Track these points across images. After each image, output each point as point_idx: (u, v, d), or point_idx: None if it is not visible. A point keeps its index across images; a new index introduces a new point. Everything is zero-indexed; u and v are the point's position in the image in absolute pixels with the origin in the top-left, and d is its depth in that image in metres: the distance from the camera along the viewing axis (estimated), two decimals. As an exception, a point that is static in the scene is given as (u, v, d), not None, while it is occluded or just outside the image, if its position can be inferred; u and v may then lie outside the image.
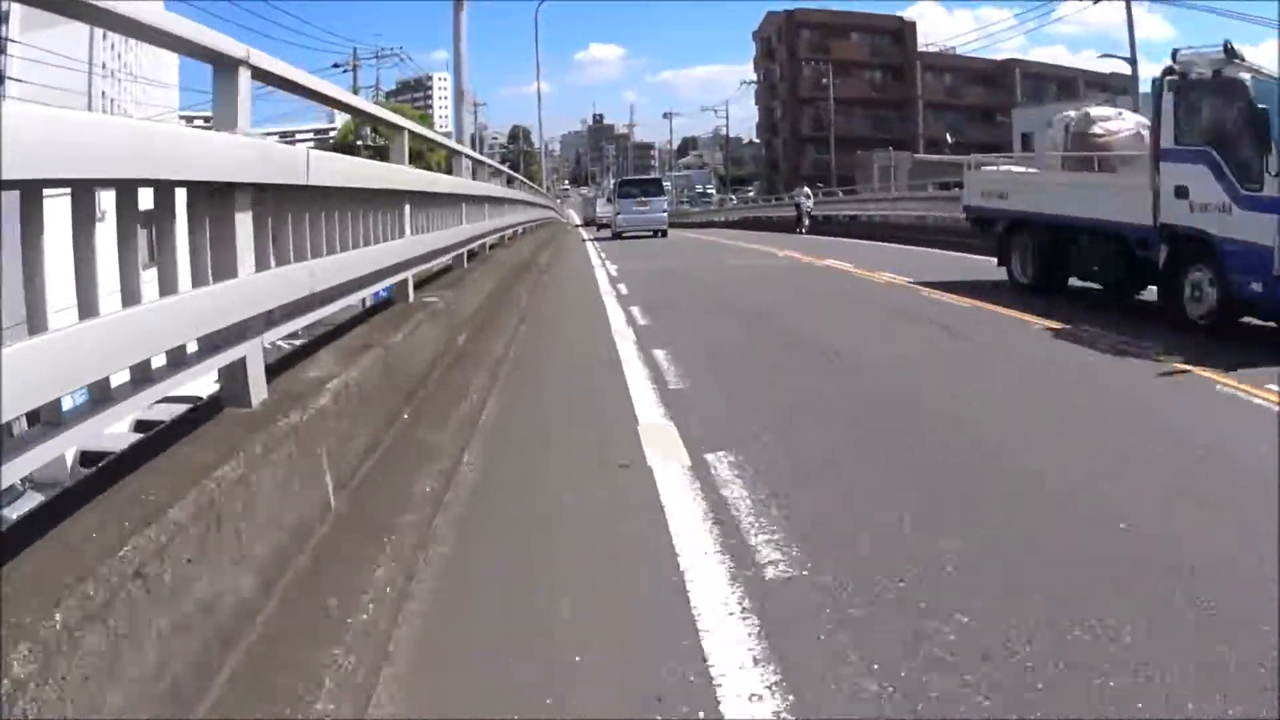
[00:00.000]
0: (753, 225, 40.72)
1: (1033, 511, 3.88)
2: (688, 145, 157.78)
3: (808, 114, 68.38)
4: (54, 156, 1.74)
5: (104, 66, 76.53)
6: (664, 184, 36.17)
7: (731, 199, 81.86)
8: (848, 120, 63.53)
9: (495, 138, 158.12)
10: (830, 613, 2.89)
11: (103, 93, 76.87)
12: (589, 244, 27.89)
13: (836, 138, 61.95)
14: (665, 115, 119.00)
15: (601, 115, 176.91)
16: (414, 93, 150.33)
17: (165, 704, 1.76)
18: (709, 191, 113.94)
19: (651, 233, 29.35)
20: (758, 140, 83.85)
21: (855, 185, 45.73)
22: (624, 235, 29.26)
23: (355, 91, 48.39)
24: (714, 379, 6.82)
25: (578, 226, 49.51)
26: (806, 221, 28.87)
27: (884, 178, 49.81)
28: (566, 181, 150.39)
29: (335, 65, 50.49)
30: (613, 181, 47.12)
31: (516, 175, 24.30)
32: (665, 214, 30.78)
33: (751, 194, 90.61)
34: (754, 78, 77.30)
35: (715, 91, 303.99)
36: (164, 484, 2.10)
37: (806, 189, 29.90)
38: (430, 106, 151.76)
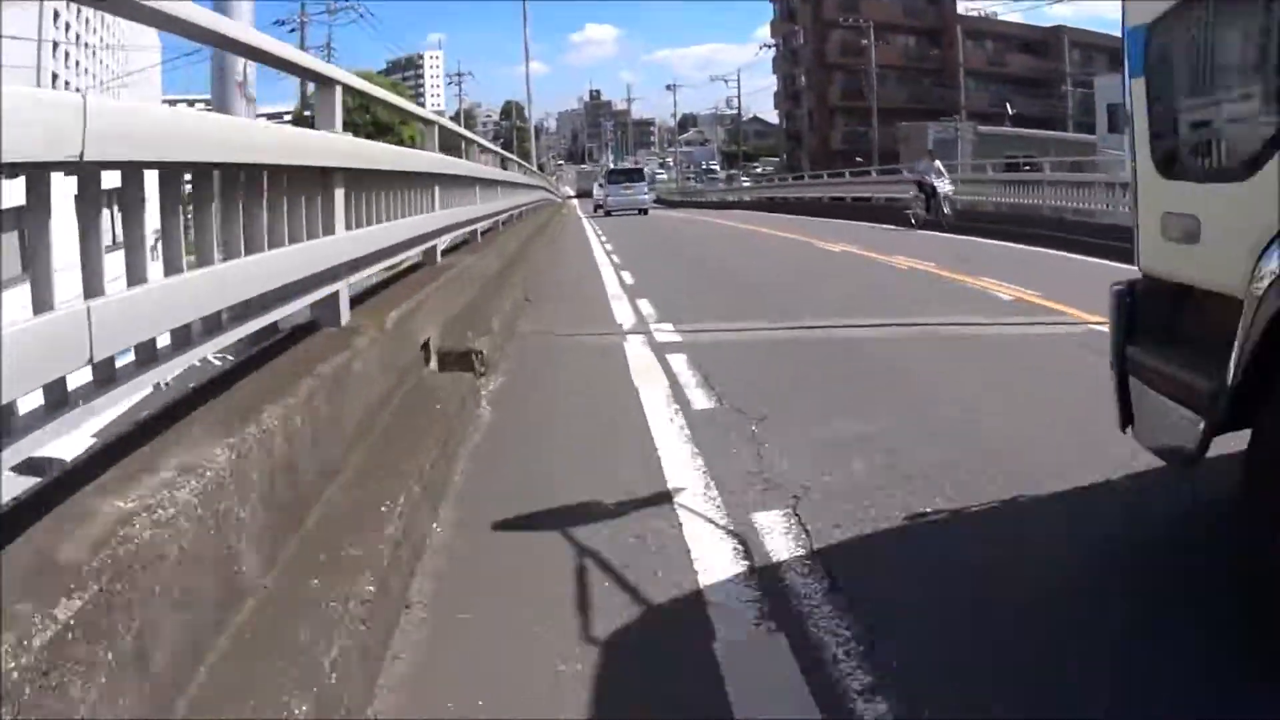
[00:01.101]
0: (792, 209, 33.36)
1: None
2: (688, 122, 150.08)
3: (836, 81, 60.69)
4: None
5: (55, 47, 68.35)
6: (644, 171, 45.94)
7: (743, 178, 74.84)
8: (882, 89, 56.02)
9: (489, 115, 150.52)
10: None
11: (54, 75, 68.83)
12: (592, 235, 21.27)
13: (869, 108, 54.54)
14: (668, 87, 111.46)
15: (599, 91, 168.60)
16: (404, 72, 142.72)
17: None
18: (714, 168, 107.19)
19: (636, 210, 34.92)
20: (776, 111, 75.87)
21: (899, 163, 38.65)
22: (613, 214, 34.76)
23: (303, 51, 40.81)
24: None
25: (570, 198, 53.84)
26: (948, 210, 18.56)
27: (944, 153, 42.59)
28: (562, 160, 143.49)
29: (279, 22, 42.70)
30: (611, 159, 54.12)
31: (510, 155, 17.58)
32: (646, 196, 37.93)
33: (760, 170, 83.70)
34: (771, 42, 69.34)
35: (713, 70, 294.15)
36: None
37: (938, 162, 20.45)
38: (421, 86, 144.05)
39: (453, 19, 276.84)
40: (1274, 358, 2.15)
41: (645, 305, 8.58)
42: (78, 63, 65.32)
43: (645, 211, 35.89)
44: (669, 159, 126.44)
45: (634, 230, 23.69)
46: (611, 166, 58.35)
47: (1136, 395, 2.85)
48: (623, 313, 8.27)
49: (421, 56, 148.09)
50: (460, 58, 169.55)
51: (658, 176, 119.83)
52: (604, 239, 19.47)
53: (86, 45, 64.58)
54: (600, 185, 42.67)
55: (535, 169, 34.23)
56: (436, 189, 6.09)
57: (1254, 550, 2.22)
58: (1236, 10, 2.50)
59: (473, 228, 8.58)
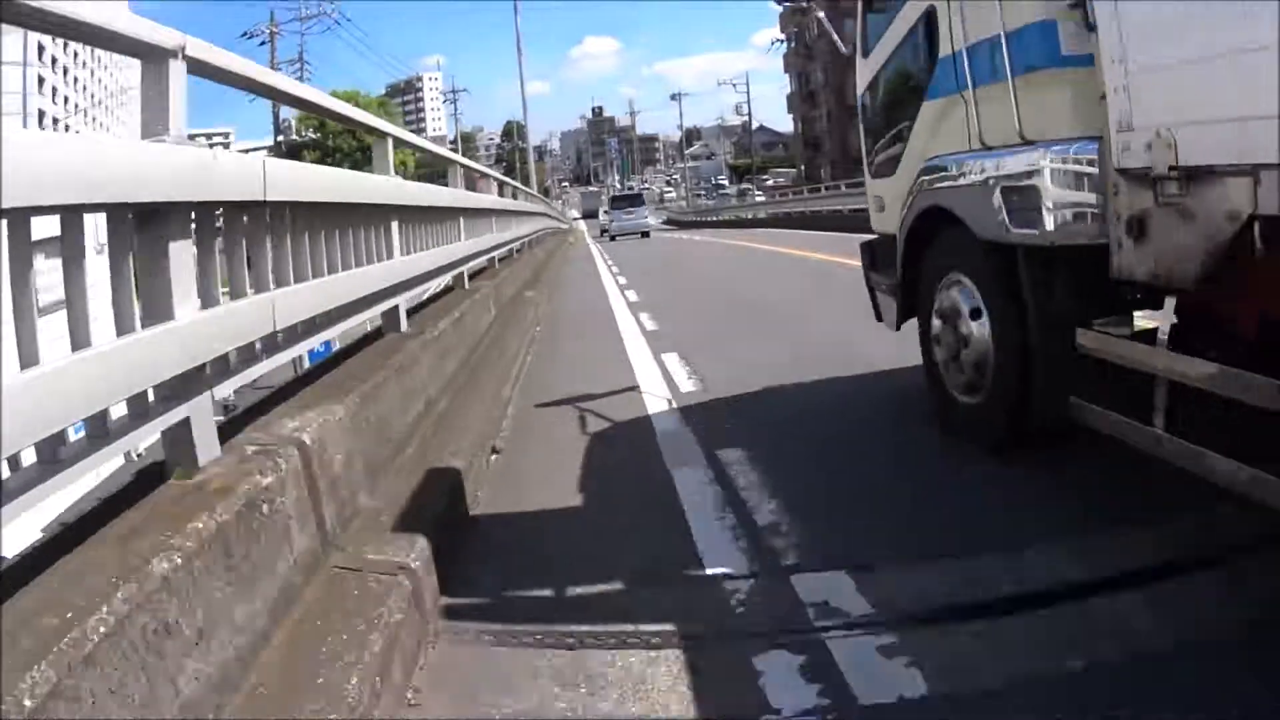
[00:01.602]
0: (824, 224, 29.23)
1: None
2: (692, 136, 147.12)
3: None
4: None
5: (40, 83, 65.23)
6: (643, 196, 50.16)
7: (757, 193, 70.87)
8: (905, 85, 51.83)
9: (491, 138, 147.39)
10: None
11: (40, 111, 65.78)
12: (606, 273, 17.19)
13: (893, 107, 50.26)
14: (673, 96, 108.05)
15: (601, 108, 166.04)
16: (404, 95, 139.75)
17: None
18: (723, 182, 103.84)
19: (639, 233, 38.34)
20: (790, 116, 71.62)
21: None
22: (616, 238, 37.92)
23: (274, 67, 37.26)
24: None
25: (576, 219, 59.08)
26: None
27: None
28: (566, 182, 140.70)
29: (246, 35, 39.21)
30: (616, 179, 58.89)
31: (488, 170, 13.75)
32: (647, 220, 41.64)
33: (772, 183, 79.69)
34: (781, 37, 65.14)
35: (713, 83, 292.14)
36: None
37: None
38: (422, 110, 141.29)
39: (453, 41, 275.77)
40: (913, 270, 4.28)
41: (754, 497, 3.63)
42: (54, 89, 62.01)
43: (647, 234, 38.70)
44: (676, 175, 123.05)
45: (667, 270, 18.90)
46: (615, 192, 65.20)
47: (877, 300, 5.07)
48: (709, 531, 3.31)
49: (420, 79, 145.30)
50: (460, 80, 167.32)
51: (666, 195, 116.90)
52: (623, 281, 15.46)
53: (66, 70, 61.43)
54: (605, 212, 47.78)
55: (538, 194, 30.47)
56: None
57: (928, 372, 4.24)
58: (884, 93, 4.76)
59: (398, 301, 4.62)
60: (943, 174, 3.78)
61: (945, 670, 2.24)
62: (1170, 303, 2.68)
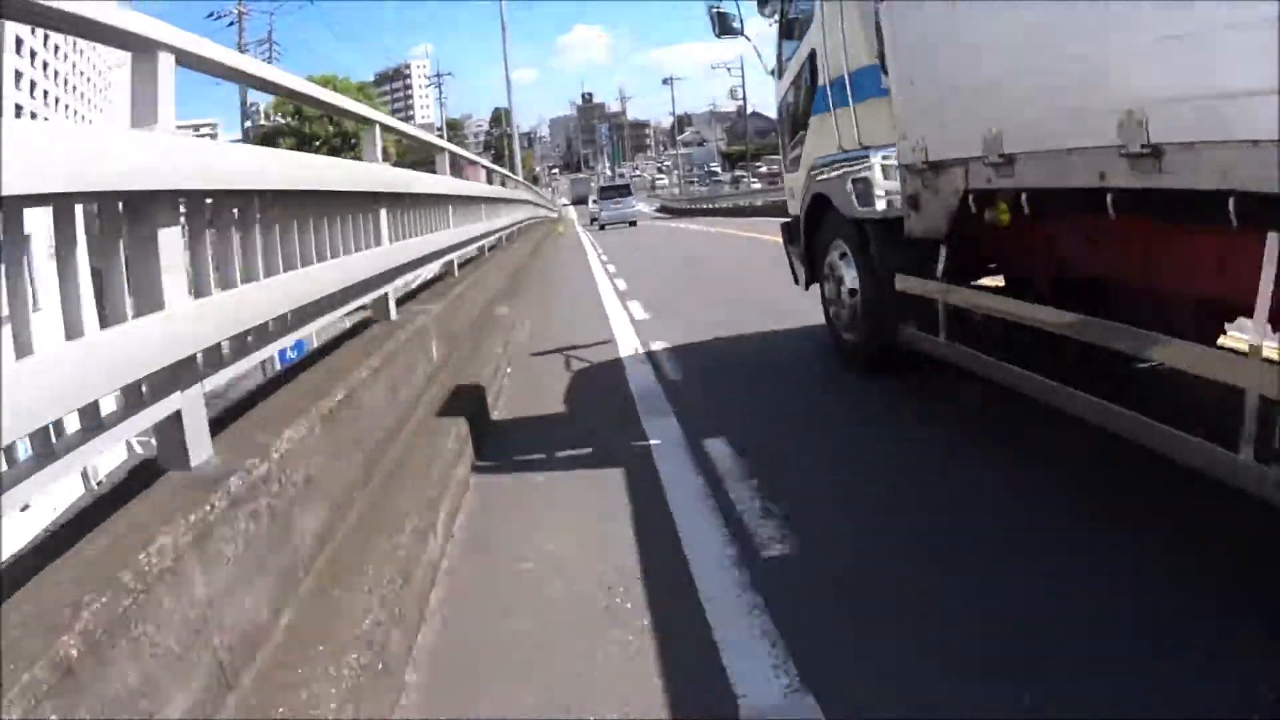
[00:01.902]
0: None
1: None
2: (683, 122, 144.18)
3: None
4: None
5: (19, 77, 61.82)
6: (630, 186, 50.88)
7: (752, 180, 68.44)
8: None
9: (480, 125, 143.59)
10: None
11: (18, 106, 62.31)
12: (606, 283, 14.64)
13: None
14: (665, 81, 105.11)
15: (591, 94, 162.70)
16: (392, 83, 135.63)
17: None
18: (715, 170, 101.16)
19: (627, 223, 39.34)
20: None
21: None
22: (605, 226, 38.88)
23: (241, 49, 34.50)
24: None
25: (565, 205, 60.44)
26: None
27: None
28: (556, 169, 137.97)
29: (212, 16, 36.39)
30: (607, 165, 62.09)
31: (456, 148, 11.24)
32: (633, 209, 43.22)
33: (765, 170, 77.16)
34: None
35: (703, 70, 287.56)
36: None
37: None
38: (411, 97, 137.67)
39: (442, 28, 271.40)
40: (812, 242, 5.69)
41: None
42: (34, 86, 58.73)
43: (634, 223, 39.81)
44: (667, 162, 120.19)
45: (672, 270, 16.12)
46: (604, 182, 68.48)
47: (793, 266, 6.27)
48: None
49: (408, 66, 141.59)
50: (450, 68, 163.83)
51: (658, 182, 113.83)
52: (623, 286, 12.89)
53: (52, 69, 58.40)
54: (594, 201, 50.28)
55: (522, 181, 27.83)
56: None
57: (826, 318, 5.65)
58: (791, 108, 6.00)
59: (178, 405, 2.09)
60: (822, 169, 5.42)
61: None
62: (943, 250, 4.03)
